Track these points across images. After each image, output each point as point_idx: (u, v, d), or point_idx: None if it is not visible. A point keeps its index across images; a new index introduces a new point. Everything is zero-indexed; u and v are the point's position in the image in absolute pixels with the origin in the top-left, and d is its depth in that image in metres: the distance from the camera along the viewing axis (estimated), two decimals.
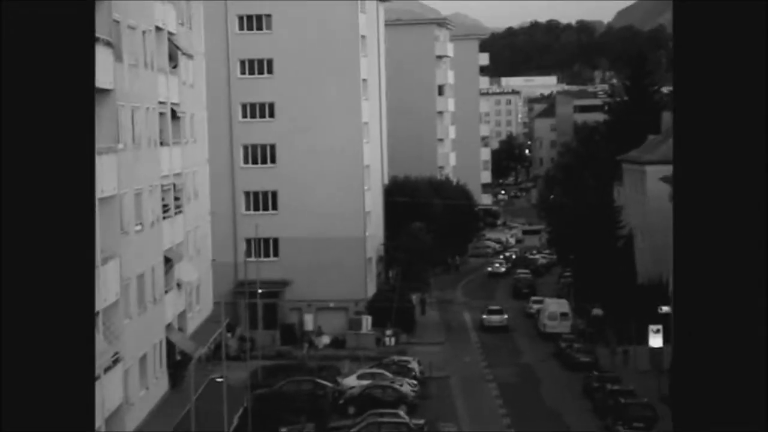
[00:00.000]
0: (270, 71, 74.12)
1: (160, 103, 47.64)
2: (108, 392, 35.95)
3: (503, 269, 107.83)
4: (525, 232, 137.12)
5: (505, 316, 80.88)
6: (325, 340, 72.05)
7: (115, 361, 37.26)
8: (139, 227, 42.47)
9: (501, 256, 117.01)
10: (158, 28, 47.63)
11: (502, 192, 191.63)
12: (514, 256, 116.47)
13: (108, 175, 37.11)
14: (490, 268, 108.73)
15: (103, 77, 36.67)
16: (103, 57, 36.84)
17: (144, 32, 44.34)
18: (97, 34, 36.43)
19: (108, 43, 37.62)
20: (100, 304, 35.55)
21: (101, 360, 34.67)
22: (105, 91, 37.29)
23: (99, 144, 35.89)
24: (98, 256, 35.49)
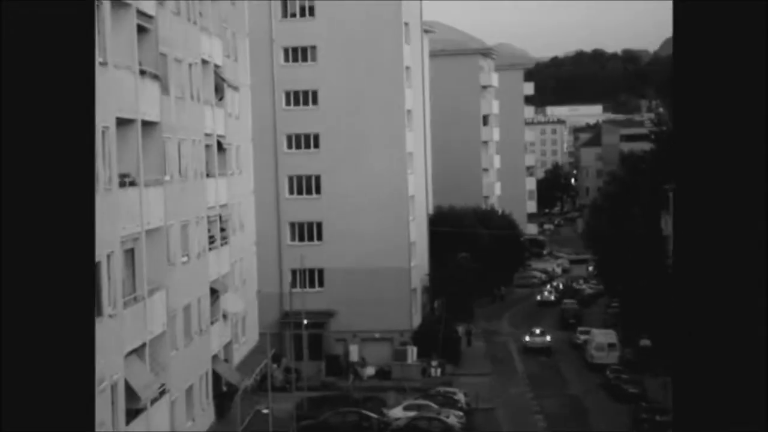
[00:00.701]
0: (315, 102, 74.44)
1: (206, 135, 47.98)
2: (155, 423, 36.02)
3: (553, 297, 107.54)
4: (572, 262, 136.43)
5: (548, 338, 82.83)
6: (370, 370, 71.86)
7: (162, 393, 37.35)
8: (185, 259, 42.67)
9: (548, 286, 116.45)
10: (204, 61, 48.04)
11: (548, 222, 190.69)
12: (560, 286, 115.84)
13: (155, 207, 37.36)
14: (539, 297, 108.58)
15: (150, 110, 36.99)
16: (150, 90, 37.19)
17: (190, 65, 44.73)
18: (144, 67, 36.80)
19: (155, 76, 37.98)
20: (146, 336, 35.70)
21: (148, 391, 34.77)
22: (152, 124, 37.59)
23: (146, 176, 36.17)
24: (145, 288, 35.68)
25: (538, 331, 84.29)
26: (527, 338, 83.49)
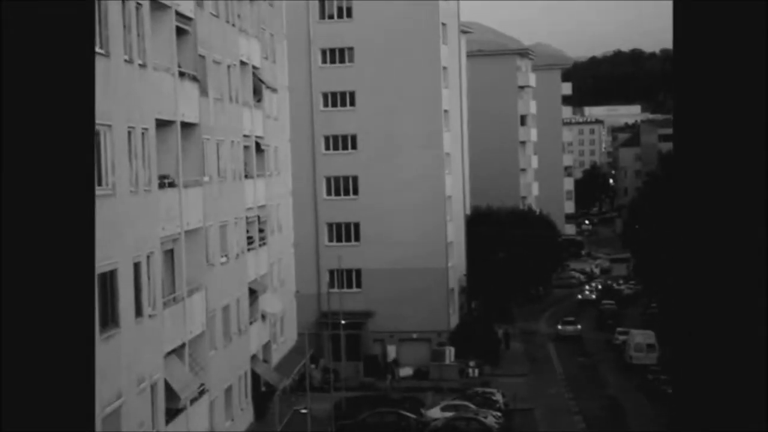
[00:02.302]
0: (352, 104, 74.59)
1: (245, 136, 48.19)
2: (194, 423, 36.23)
3: (594, 296, 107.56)
4: (613, 260, 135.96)
5: (579, 327, 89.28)
6: (407, 371, 71.88)
7: (201, 393, 37.56)
8: (224, 259, 42.88)
9: (587, 286, 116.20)
10: (243, 63, 48.25)
11: (586, 222, 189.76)
12: (599, 286, 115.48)
13: (194, 208, 37.58)
14: (580, 296, 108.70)
15: (189, 111, 37.22)
16: (189, 91, 37.42)
17: (229, 67, 44.95)
18: (183, 69, 37.02)
19: (194, 78, 38.21)
20: (186, 336, 35.92)
21: (187, 391, 34.98)
22: (191, 125, 37.81)
23: (185, 177, 36.40)
24: (184, 288, 35.90)
25: (569, 319, 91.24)
26: (559, 326, 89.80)
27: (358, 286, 74.19)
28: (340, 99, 74.80)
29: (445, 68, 76.11)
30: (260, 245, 50.85)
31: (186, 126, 37.09)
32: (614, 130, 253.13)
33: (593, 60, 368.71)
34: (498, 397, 62.57)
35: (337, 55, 74.72)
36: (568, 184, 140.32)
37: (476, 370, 72.00)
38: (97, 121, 25.57)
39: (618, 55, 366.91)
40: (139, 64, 31.21)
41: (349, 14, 74.35)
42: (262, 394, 49.71)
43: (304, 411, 49.16)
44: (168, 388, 33.33)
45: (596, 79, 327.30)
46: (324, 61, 74.75)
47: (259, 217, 50.98)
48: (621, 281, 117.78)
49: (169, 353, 34.27)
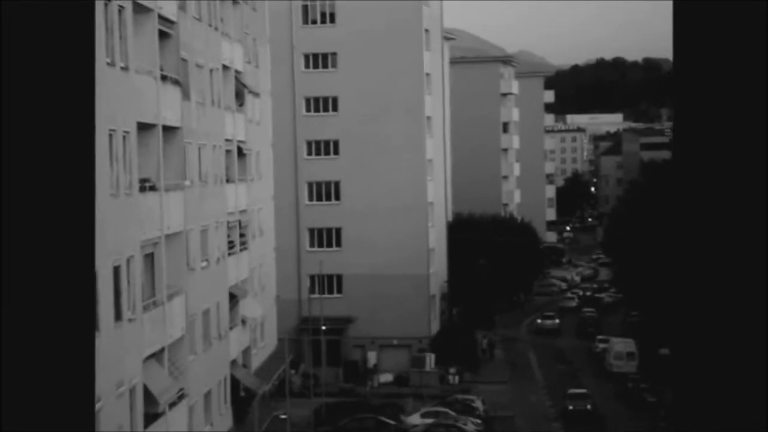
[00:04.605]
0: (335, 109, 74.58)
1: (227, 140, 48.11)
2: (173, 427, 36.09)
3: (574, 303, 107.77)
4: (601, 264, 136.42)
5: (557, 321, 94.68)
6: (387, 377, 71.82)
7: (180, 397, 37.43)
8: (204, 263, 42.78)
9: (568, 294, 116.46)
10: (225, 67, 48.17)
11: (567, 229, 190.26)
12: (581, 293, 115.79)
13: (175, 212, 37.47)
14: (561, 304, 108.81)
15: (170, 115, 37.12)
16: (171, 95, 37.33)
17: (211, 71, 44.87)
18: (165, 73, 36.92)
19: (176, 82, 38.11)
20: (165, 340, 35.79)
21: (167, 396, 34.84)
22: (172, 129, 37.72)
23: (166, 181, 36.28)
24: (164, 292, 35.78)
25: (549, 314, 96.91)
26: (539, 321, 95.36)
27: (339, 291, 74.11)
28: (323, 104, 74.77)
29: (428, 74, 76.16)
30: (241, 250, 50.76)
31: (168, 129, 36.99)
32: (596, 139, 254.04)
33: (576, 68, 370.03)
34: (478, 404, 62.57)
35: (320, 60, 74.69)
36: (550, 191, 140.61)
37: (456, 377, 72.01)
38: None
39: (600, 63, 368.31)
40: (121, 67, 31.10)
41: (333, 19, 74.34)
42: (241, 399, 49.59)
43: (283, 416, 49.10)
44: (147, 393, 33.21)
45: (579, 87, 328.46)
46: (307, 65, 74.71)
47: (240, 222, 50.88)
48: (605, 285, 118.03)
49: (149, 357, 34.14)
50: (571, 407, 63.75)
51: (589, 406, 63.79)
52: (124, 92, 31.30)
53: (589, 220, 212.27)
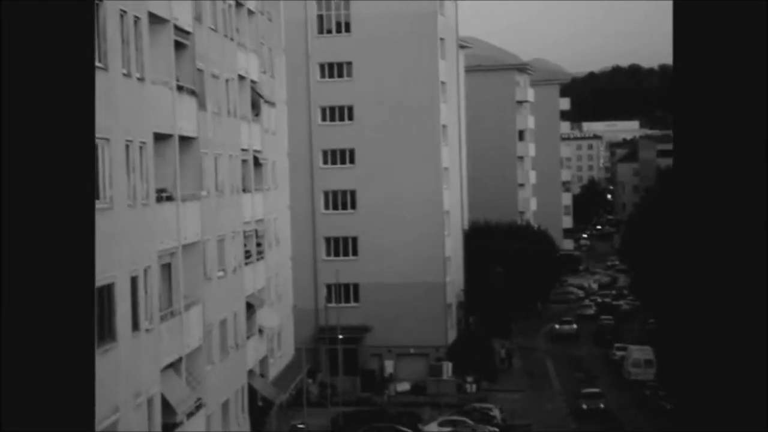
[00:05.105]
0: (350, 118, 74.67)
1: (243, 150, 48.19)
2: None
3: (592, 311, 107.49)
4: (618, 271, 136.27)
5: (575, 326, 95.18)
6: (405, 385, 71.74)
7: (198, 407, 37.46)
8: (221, 273, 42.82)
9: (586, 301, 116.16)
10: (241, 77, 48.28)
11: (584, 237, 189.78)
12: (599, 300, 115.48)
13: (191, 222, 37.54)
14: (579, 311, 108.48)
15: (187, 125, 37.20)
16: (187, 105, 37.42)
17: (227, 81, 44.97)
18: (181, 83, 37.03)
19: (192, 92, 38.21)
20: (183, 350, 35.83)
21: (184, 406, 34.88)
22: (189, 139, 37.80)
23: (183, 191, 36.36)
24: (181, 302, 35.83)
25: (567, 319, 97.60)
26: (557, 326, 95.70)
27: (356, 300, 74.11)
28: (339, 113, 74.87)
29: (443, 83, 76.20)
30: (258, 259, 50.80)
31: (184, 140, 37.08)
32: (612, 146, 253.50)
33: (592, 75, 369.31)
34: (496, 412, 62.42)
35: (335, 70, 74.81)
36: (566, 199, 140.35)
37: (474, 386, 71.88)
38: (96, 134, 25.54)
39: (616, 70, 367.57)
40: (138, 78, 31.20)
41: (348, 29, 74.48)
42: (259, 409, 49.58)
43: (301, 426, 49.08)
44: (165, 403, 33.24)
45: (595, 95, 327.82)
46: (322, 75, 74.84)
47: (256, 231, 50.93)
48: (625, 291, 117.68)
49: (166, 367, 34.18)
50: (585, 406, 65.52)
51: (602, 405, 65.36)
52: (140, 103, 31.40)
53: (605, 227, 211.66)
